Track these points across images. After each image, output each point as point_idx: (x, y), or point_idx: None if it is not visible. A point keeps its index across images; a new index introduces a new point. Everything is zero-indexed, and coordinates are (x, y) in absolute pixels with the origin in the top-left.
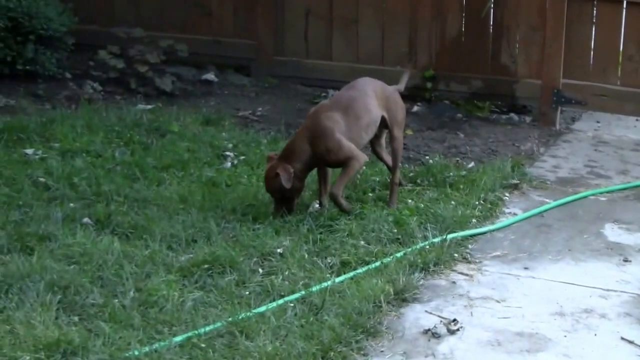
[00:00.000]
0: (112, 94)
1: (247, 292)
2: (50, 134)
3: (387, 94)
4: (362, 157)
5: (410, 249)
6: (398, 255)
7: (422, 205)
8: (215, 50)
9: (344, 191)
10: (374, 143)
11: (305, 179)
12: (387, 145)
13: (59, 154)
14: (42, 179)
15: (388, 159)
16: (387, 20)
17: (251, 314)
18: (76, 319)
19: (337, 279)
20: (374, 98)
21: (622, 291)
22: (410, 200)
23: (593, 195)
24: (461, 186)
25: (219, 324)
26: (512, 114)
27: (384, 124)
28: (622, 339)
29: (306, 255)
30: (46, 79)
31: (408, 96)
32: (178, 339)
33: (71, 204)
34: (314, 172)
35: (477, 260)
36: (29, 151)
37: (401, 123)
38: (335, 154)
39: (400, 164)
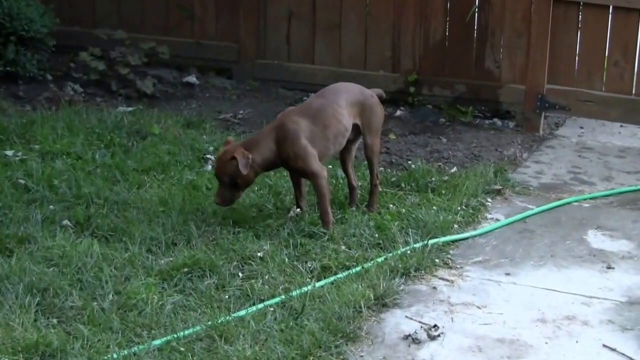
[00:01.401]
0: (93, 96)
1: (227, 296)
2: (31, 136)
3: (362, 100)
4: (324, 172)
5: (391, 254)
6: (379, 260)
7: (404, 210)
8: (197, 52)
9: (329, 212)
10: (344, 151)
11: (257, 175)
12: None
13: (39, 155)
14: (21, 181)
15: (352, 173)
16: (371, 24)
17: (231, 318)
18: (55, 321)
19: (318, 284)
20: (345, 107)
21: (604, 298)
22: (392, 205)
23: (576, 201)
24: (443, 191)
25: (198, 328)
26: (495, 119)
27: (358, 131)
28: (604, 346)
29: (286, 260)
30: (27, 81)
31: (391, 100)
32: (157, 342)
33: (51, 206)
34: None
35: (459, 266)
36: (9, 153)
37: (376, 130)
38: (301, 160)
39: (377, 168)
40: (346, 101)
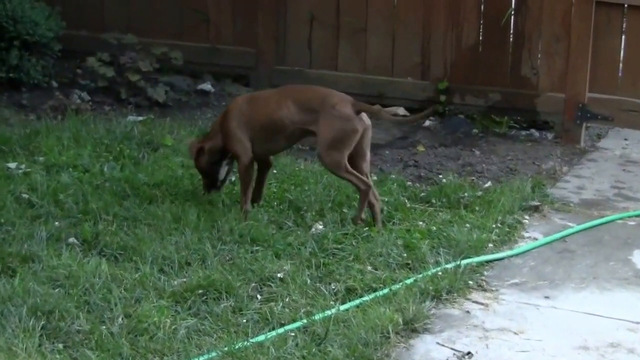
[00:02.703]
0: (101, 105)
1: (245, 320)
2: (35, 147)
3: (316, 108)
4: (246, 158)
5: (421, 275)
6: (408, 281)
7: (434, 228)
8: (212, 58)
9: (247, 199)
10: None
11: (216, 161)
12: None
13: (43, 168)
14: (25, 195)
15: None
16: (398, 28)
17: (249, 344)
18: (60, 346)
19: (342, 307)
20: (294, 107)
21: None
22: (421, 223)
23: (620, 219)
24: (477, 208)
25: (214, 354)
26: (532, 130)
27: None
28: None
29: (309, 281)
30: (31, 88)
31: (420, 109)
32: None
33: (56, 223)
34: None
35: (494, 288)
36: (12, 165)
37: (330, 144)
38: (229, 140)
39: (367, 201)
40: (297, 103)
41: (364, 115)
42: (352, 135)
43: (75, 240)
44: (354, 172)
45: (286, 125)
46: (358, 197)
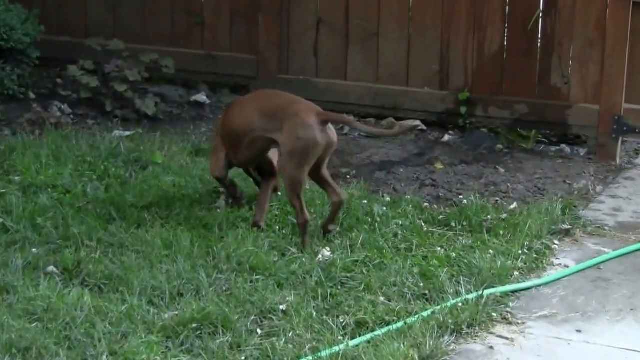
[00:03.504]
0: (84, 118)
1: (244, 357)
2: (10, 165)
3: (279, 115)
4: (214, 172)
5: (439, 307)
6: (425, 314)
7: (454, 255)
8: (207, 66)
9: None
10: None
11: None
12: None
13: (19, 189)
14: None
15: (329, 189)
16: (415, 32)
17: None
18: None
19: (352, 343)
20: (255, 114)
21: None
22: (439, 248)
23: None
24: (501, 232)
25: None
26: (563, 145)
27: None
28: None
29: (314, 313)
30: (5, 99)
31: (438, 123)
32: None
33: (34, 250)
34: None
35: (520, 321)
36: None
37: (288, 156)
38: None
39: (297, 203)
40: (261, 109)
41: (331, 129)
42: (312, 148)
43: (55, 269)
44: (303, 201)
45: (246, 133)
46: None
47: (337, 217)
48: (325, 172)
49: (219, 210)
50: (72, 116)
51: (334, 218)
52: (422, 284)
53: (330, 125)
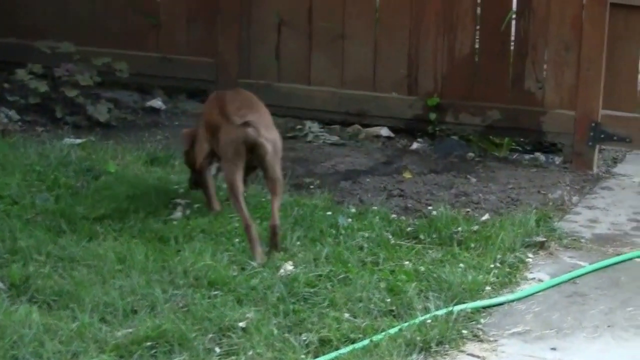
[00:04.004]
0: (33, 125)
1: None
2: None
3: (218, 123)
4: (198, 158)
5: (407, 324)
6: (392, 331)
7: (423, 269)
8: (163, 70)
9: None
10: None
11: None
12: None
13: None
14: None
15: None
16: (382, 35)
17: None
18: None
19: None
20: (203, 125)
21: None
22: (407, 262)
23: None
24: (472, 244)
25: None
26: (537, 154)
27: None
28: None
29: (276, 331)
30: None
31: (406, 130)
32: None
33: None
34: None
35: (492, 339)
36: None
37: (222, 154)
38: None
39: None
40: (205, 120)
41: (255, 128)
42: (228, 145)
43: (2, 285)
44: (241, 204)
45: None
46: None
47: (275, 241)
48: (272, 187)
49: (175, 222)
50: (20, 123)
51: (271, 241)
52: (389, 300)
53: (256, 123)
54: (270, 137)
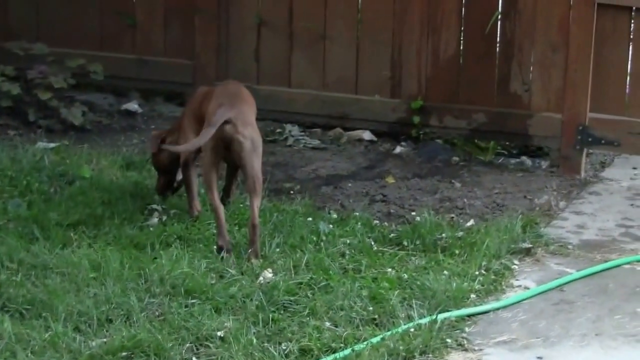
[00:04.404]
0: (5, 128)
1: None
2: None
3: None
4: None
5: (389, 333)
6: (374, 340)
7: (406, 276)
8: (139, 72)
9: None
10: None
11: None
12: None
13: None
14: None
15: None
16: (364, 36)
17: None
18: None
19: None
20: (196, 104)
21: None
22: (390, 270)
23: (628, 263)
24: (457, 251)
25: None
26: (523, 158)
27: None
28: None
29: (255, 340)
30: None
31: (389, 134)
32: None
33: None
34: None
35: (477, 348)
36: None
37: (202, 149)
38: None
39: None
40: (191, 109)
41: (233, 125)
42: (208, 140)
43: None
44: (214, 192)
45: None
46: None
47: (254, 241)
48: (250, 185)
49: (151, 229)
50: None
51: (251, 241)
52: (371, 308)
53: (234, 120)
54: (247, 133)
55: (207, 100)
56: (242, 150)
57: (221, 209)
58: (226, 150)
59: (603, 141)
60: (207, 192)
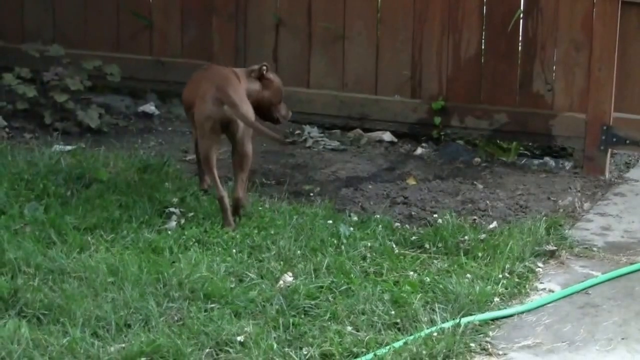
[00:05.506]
0: (21, 131)
1: None
2: None
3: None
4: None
5: (412, 337)
6: (396, 345)
7: (428, 279)
8: (157, 73)
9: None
10: None
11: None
12: None
13: None
14: None
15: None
16: (384, 35)
17: None
18: None
19: None
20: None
21: None
22: (412, 273)
23: None
24: (480, 254)
25: None
26: (547, 158)
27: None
28: None
29: (275, 345)
30: None
31: (410, 134)
32: None
33: None
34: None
35: (501, 352)
36: None
37: (198, 129)
38: None
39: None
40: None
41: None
42: (204, 120)
43: None
44: (215, 175)
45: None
46: None
47: (238, 214)
48: (239, 161)
49: (169, 232)
50: (7, 129)
51: (234, 211)
52: (393, 312)
53: (232, 100)
54: (244, 112)
55: (194, 82)
56: (238, 130)
57: (225, 197)
58: (223, 130)
59: (628, 141)
60: (209, 176)
